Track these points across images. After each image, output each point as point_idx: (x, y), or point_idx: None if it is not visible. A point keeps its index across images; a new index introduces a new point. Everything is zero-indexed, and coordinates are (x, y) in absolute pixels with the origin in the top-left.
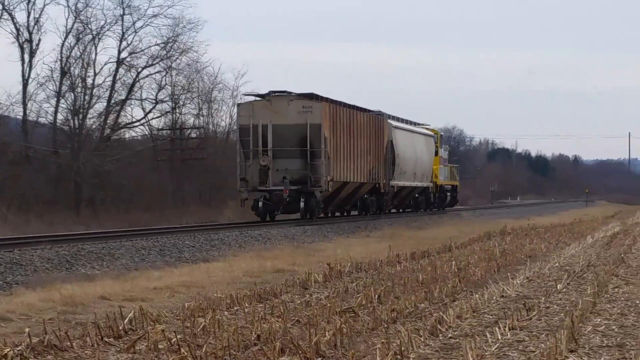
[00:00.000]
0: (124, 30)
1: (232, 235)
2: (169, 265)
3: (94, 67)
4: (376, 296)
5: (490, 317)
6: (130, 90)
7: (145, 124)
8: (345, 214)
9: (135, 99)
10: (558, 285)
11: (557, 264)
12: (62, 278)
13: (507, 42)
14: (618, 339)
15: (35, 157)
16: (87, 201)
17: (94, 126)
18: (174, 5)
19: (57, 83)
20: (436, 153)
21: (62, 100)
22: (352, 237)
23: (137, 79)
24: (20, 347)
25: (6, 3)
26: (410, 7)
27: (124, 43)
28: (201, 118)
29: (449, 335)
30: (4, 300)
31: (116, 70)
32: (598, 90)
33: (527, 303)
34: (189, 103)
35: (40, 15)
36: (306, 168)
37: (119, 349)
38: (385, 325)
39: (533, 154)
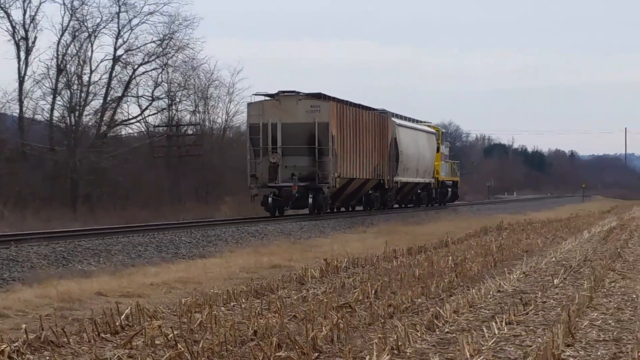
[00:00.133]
0: (120, 28)
1: (228, 232)
2: (166, 261)
3: (90, 64)
4: (373, 291)
5: (487, 311)
6: (127, 87)
7: (142, 120)
8: (350, 209)
9: (132, 96)
10: (555, 280)
11: (553, 259)
12: (59, 274)
13: (504, 39)
14: (615, 333)
15: (32, 154)
16: (84, 198)
17: (90, 123)
18: (170, 3)
19: (53, 80)
20: (438, 150)
21: (59, 98)
22: (349, 233)
23: (133, 76)
24: (17, 344)
25: (2, 1)
26: (407, 4)
27: (120, 40)
28: (197, 115)
29: (446, 330)
30: (0, 297)
31: (112, 68)
32: (594, 85)
33: (523, 298)
34: (185, 100)
35: (36, 13)
36: (314, 165)
37: (115, 345)
38: (382, 320)
39: (529, 150)
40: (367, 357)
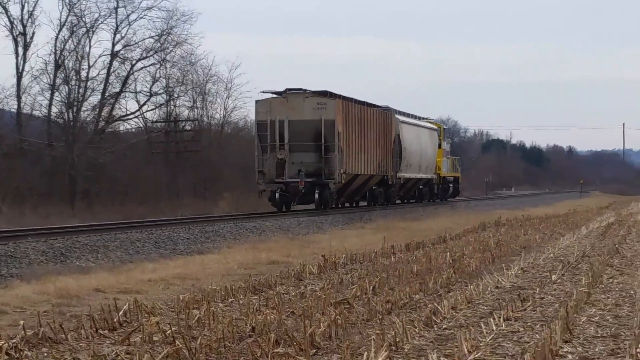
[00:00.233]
0: (118, 23)
1: (226, 227)
2: (164, 258)
3: (88, 59)
4: (371, 287)
5: (485, 307)
6: (125, 82)
7: (140, 116)
8: (354, 204)
9: (130, 92)
10: (553, 276)
11: (551, 255)
12: (57, 270)
13: (502, 35)
14: (612, 329)
15: (30, 150)
16: (82, 194)
17: (88, 119)
18: None
19: (51, 76)
20: (439, 146)
21: (57, 93)
22: (347, 229)
23: (131, 72)
24: (14, 340)
25: None
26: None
27: (118, 36)
28: (195, 110)
29: (444, 326)
30: None
31: (110, 63)
32: (593, 81)
33: (521, 294)
34: (183, 95)
35: (34, 8)
36: (320, 161)
37: (113, 341)
38: (380, 317)
39: (527, 145)
40: (365, 353)
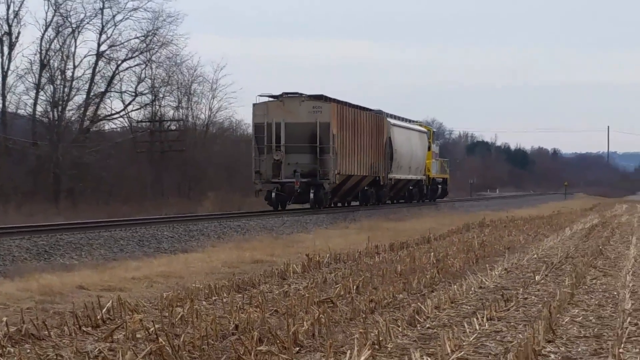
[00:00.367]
0: (104, 24)
1: (210, 227)
2: (148, 256)
3: (74, 59)
4: (354, 287)
5: (469, 307)
6: (110, 82)
7: (125, 116)
8: (347, 204)
9: (115, 92)
10: (536, 277)
11: (535, 256)
12: (41, 268)
13: (488, 38)
14: (595, 330)
15: (15, 149)
16: (66, 192)
17: (73, 118)
18: None
19: (37, 75)
20: (429, 148)
21: (42, 93)
22: (331, 229)
23: (116, 72)
24: None
25: None
26: (391, 3)
27: (104, 36)
28: (180, 110)
29: (427, 325)
30: None
31: (96, 63)
32: (578, 84)
33: (505, 294)
34: (169, 95)
35: (19, 8)
36: (315, 162)
37: (96, 338)
38: (364, 316)
39: (512, 147)
40: (348, 352)
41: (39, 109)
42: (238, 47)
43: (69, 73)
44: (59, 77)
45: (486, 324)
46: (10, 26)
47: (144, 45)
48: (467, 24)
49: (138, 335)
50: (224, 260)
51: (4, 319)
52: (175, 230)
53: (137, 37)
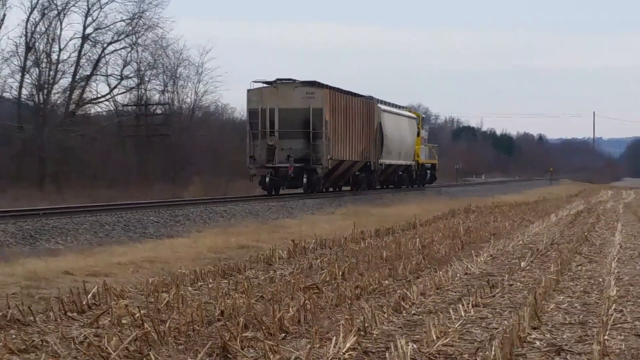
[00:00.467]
0: (90, 6)
1: (196, 211)
2: (133, 241)
3: (59, 42)
4: (340, 273)
5: (454, 294)
6: (96, 66)
7: (111, 99)
8: (338, 189)
9: (101, 75)
10: (522, 263)
11: (521, 242)
12: (26, 253)
13: (474, 22)
14: (581, 317)
15: None
16: (52, 176)
17: (58, 101)
18: None
19: (22, 58)
20: (418, 134)
21: (27, 76)
22: (317, 214)
23: (102, 55)
24: None
25: None
26: None
27: (90, 19)
28: (166, 94)
29: (413, 311)
30: None
31: (81, 46)
32: (564, 69)
33: (490, 280)
34: (154, 79)
35: None
36: (309, 148)
37: (82, 324)
38: (349, 302)
39: (498, 133)
40: (334, 338)
41: (25, 92)
42: (224, 30)
43: (54, 56)
44: (45, 60)
45: (471, 310)
46: None
47: (130, 28)
48: (456, 8)
49: (124, 321)
50: (210, 245)
51: None
52: (160, 215)
53: (123, 20)
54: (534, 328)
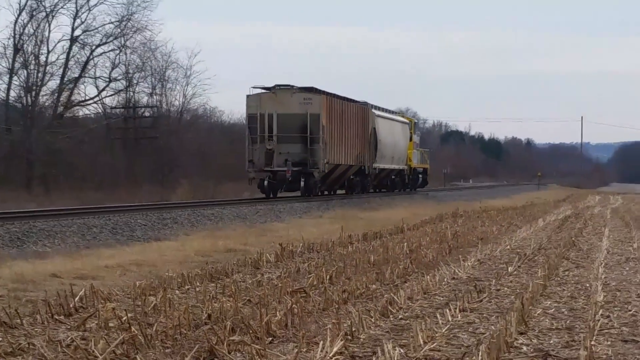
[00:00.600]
0: (78, 8)
1: (184, 215)
2: (121, 244)
3: (48, 44)
4: (327, 277)
5: (441, 298)
6: (84, 68)
7: (99, 102)
8: (333, 192)
9: (89, 77)
10: (509, 268)
11: (508, 247)
12: (13, 255)
13: (461, 26)
14: (568, 322)
15: None
16: (39, 179)
17: (47, 104)
18: None
19: (10, 60)
20: (410, 139)
21: (15, 77)
22: (305, 218)
23: (90, 57)
24: None
25: None
26: None
27: (78, 21)
28: (155, 97)
29: (400, 316)
30: None
31: (70, 48)
32: (552, 74)
33: (478, 285)
34: (143, 82)
35: None
36: (306, 152)
37: (69, 327)
38: (336, 306)
39: (486, 137)
40: (321, 342)
41: (13, 94)
42: (211, 32)
43: (42, 58)
44: (33, 61)
45: (459, 315)
46: None
47: (118, 30)
48: (446, 12)
49: (111, 324)
50: (197, 249)
51: None
52: (148, 218)
53: (112, 22)
54: (521, 333)
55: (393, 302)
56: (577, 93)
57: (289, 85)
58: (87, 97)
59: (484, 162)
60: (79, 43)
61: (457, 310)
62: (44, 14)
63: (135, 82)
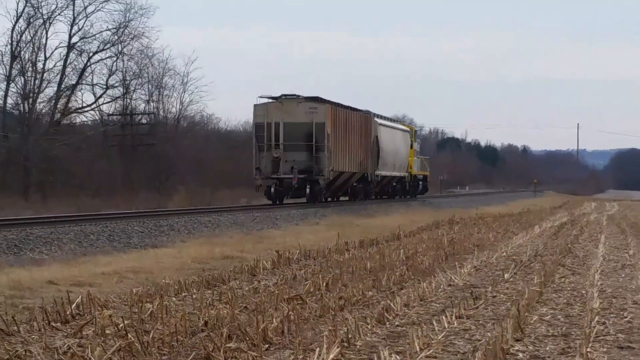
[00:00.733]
0: (75, 15)
1: (181, 222)
2: (118, 251)
3: (45, 51)
4: (324, 284)
5: (438, 305)
6: (81, 75)
7: (96, 109)
8: (336, 199)
9: (86, 84)
10: (505, 275)
11: (504, 254)
12: (10, 262)
13: (459, 33)
14: (564, 329)
15: None
16: (36, 186)
17: (44, 111)
18: None
19: (7, 67)
20: (411, 146)
21: (12, 84)
22: (302, 225)
23: (88, 64)
24: None
25: None
26: None
27: (75, 27)
28: (152, 104)
29: (396, 323)
30: None
31: (67, 55)
32: (548, 81)
33: (474, 292)
34: (140, 89)
35: None
36: (311, 160)
37: (66, 334)
38: (333, 313)
39: (482, 144)
40: (317, 349)
41: (10, 101)
42: (207, 39)
43: (40, 65)
44: (30, 68)
45: (455, 322)
46: None
47: (116, 37)
48: (441, 18)
49: (107, 331)
50: (194, 255)
51: None
52: (145, 225)
53: (109, 29)
54: (517, 340)
55: (389, 309)
56: (573, 100)
57: (294, 95)
58: (84, 104)
59: (480, 169)
60: (76, 50)
61: (454, 317)
62: (41, 20)
63: (132, 89)
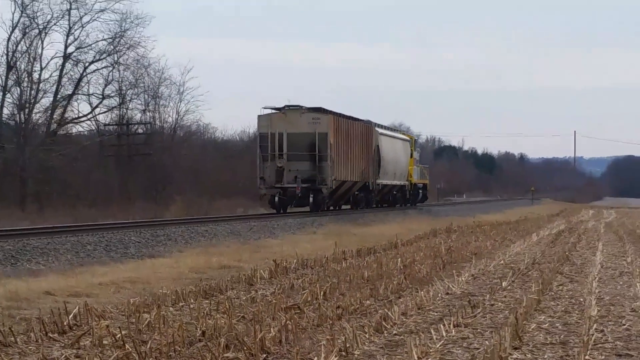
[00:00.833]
0: (71, 25)
1: (178, 231)
2: (115, 261)
3: (41, 61)
4: (322, 293)
5: (435, 314)
6: (77, 85)
7: (92, 119)
8: (338, 208)
9: (82, 94)
10: (503, 283)
11: (502, 262)
12: (7, 273)
13: (456, 42)
14: (562, 337)
15: None
16: (33, 196)
17: (40, 121)
18: (121, 0)
19: (3, 77)
20: (411, 155)
21: (8, 95)
22: (299, 234)
23: (84, 74)
24: None
25: None
26: (360, 4)
27: (71, 37)
28: (148, 113)
29: (394, 332)
30: None
31: (63, 65)
32: (545, 88)
33: (472, 300)
34: (136, 98)
35: None
36: (314, 169)
37: (63, 345)
38: (331, 322)
39: (479, 152)
40: (315, 358)
41: (6, 111)
42: (203, 49)
43: (35, 75)
44: (26, 79)
45: (453, 330)
46: None
47: (112, 47)
48: (435, 28)
49: (105, 342)
50: (191, 265)
51: None
52: (142, 235)
53: (105, 39)
54: (515, 348)
55: (387, 317)
56: (570, 108)
57: (298, 106)
58: (80, 114)
59: (478, 177)
60: (72, 60)
61: (451, 326)
62: (37, 31)
63: (128, 98)
